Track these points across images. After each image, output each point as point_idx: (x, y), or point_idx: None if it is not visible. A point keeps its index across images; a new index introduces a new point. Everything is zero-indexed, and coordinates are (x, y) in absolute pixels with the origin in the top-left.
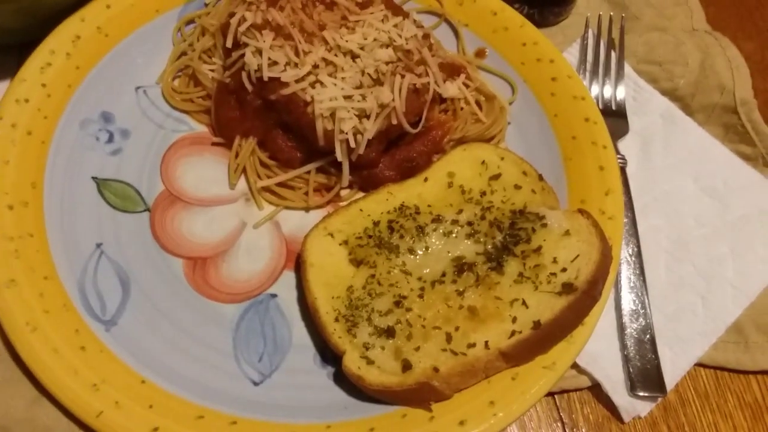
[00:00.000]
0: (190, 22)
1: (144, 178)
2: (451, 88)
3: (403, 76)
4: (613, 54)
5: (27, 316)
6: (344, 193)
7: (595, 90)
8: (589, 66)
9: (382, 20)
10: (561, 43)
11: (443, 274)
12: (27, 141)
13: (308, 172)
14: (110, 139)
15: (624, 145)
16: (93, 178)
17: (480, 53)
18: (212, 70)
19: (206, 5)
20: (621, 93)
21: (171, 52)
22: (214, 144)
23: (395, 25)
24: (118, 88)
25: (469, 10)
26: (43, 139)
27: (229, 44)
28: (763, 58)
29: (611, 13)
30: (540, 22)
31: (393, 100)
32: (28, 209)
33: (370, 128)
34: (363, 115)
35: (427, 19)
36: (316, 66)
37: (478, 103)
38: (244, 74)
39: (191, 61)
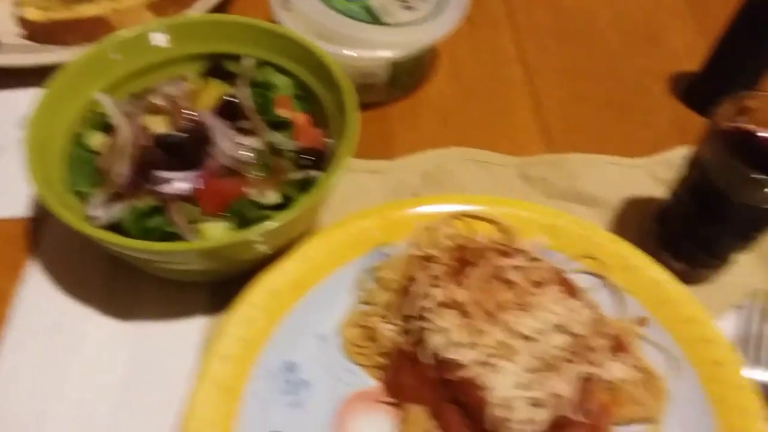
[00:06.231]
0: (374, 269)
1: None
2: (617, 370)
3: (576, 364)
4: None
5: None
6: None
7: (753, 369)
8: (749, 345)
9: (557, 302)
10: (715, 306)
11: None
12: (226, 397)
13: None
14: (292, 391)
15: None
16: None
17: (642, 321)
18: (391, 330)
19: (387, 256)
20: None
21: (351, 303)
22: (386, 403)
23: (569, 309)
24: (302, 336)
25: (632, 276)
26: (239, 395)
27: (408, 313)
28: None
29: None
30: (691, 278)
31: (565, 389)
32: None
33: (541, 419)
34: (535, 404)
35: (589, 280)
36: (492, 347)
37: (639, 382)
38: (423, 350)
39: (369, 316)
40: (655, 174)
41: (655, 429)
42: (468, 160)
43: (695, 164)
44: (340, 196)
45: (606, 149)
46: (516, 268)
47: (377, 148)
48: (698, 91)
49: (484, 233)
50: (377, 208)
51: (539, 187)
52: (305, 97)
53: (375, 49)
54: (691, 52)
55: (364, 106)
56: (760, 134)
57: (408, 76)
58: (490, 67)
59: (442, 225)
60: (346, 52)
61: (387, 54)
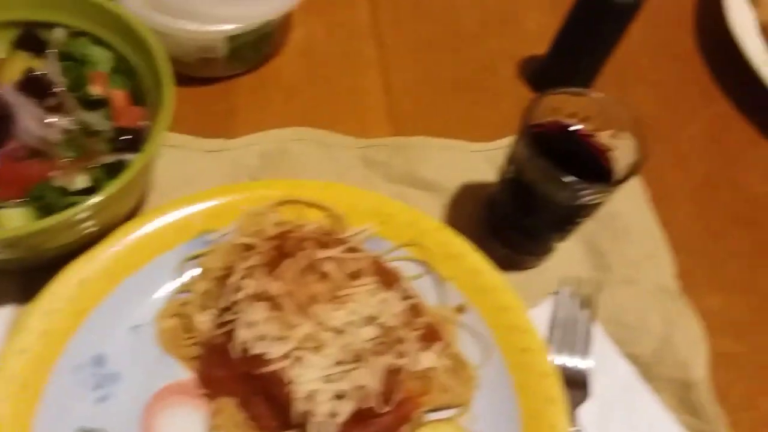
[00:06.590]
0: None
1: (130, 429)
2: (426, 359)
3: (384, 356)
4: (585, 314)
5: None
6: None
7: (562, 355)
8: (560, 330)
9: (371, 294)
10: (535, 292)
11: None
12: (23, 395)
13: None
14: (99, 385)
15: (583, 410)
16: (80, 429)
17: (460, 309)
18: (206, 321)
19: (211, 243)
20: (588, 362)
21: (171, 292)
22: (199, 395)
23: (382, 300)
24: (114, 328)
25: (454, 264)
26: (39, 392)
27: (222, 305)
28: (727, 316)
29: (586, 276)
30: (516, 264)
31: (370, 381)
32: None
33: (344, 411)
34: (339, 396)
35: (414, 267)
36: (301, 340)
37: (450, 369)
38: (232, 344)
39: (186, 306)
40: (493, 160)
41: (463, 414)
42: (309, 141)
43: (512, 159)
44: (173, 177)
45: (453, 132)
46: (332, 259)
47: (218, 125)
48: (544, 74)
49: (314, 220)
50: (203, 193)
51: (380, 171)
52: (125, 71)
53: (214, 22)
54: (544, 35)
55: (205, 81)
56: (571, 129)
57: (251, 50)
58: (344, 43)
59: (268, 212)
60: (181, 25)
61: (224, 27)
